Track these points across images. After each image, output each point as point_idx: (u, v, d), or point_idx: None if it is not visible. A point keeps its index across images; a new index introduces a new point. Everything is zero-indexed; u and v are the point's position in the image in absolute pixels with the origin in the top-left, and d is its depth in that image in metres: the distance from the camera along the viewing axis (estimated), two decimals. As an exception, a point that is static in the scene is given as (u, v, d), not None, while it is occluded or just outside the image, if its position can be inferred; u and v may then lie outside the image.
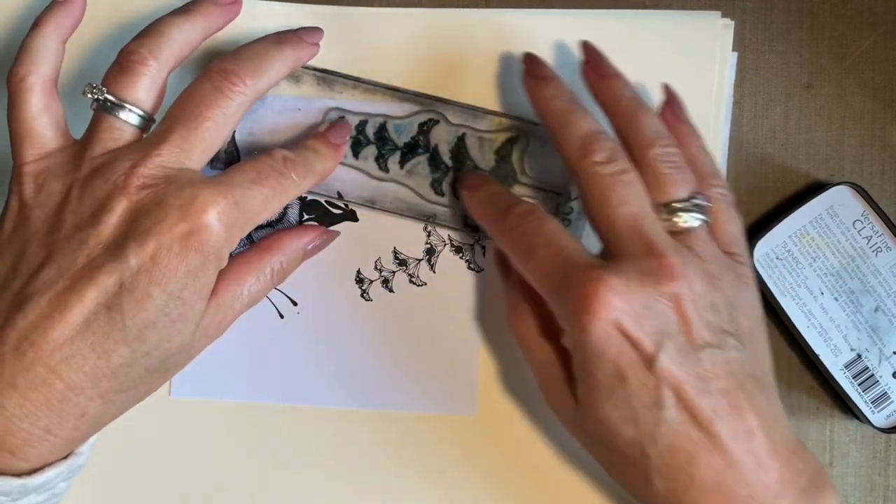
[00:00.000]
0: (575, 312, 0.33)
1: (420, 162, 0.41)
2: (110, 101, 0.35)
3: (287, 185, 0.36)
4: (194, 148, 0.35)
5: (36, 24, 0.37)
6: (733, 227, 0.37)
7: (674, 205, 0.35)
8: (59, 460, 0.34)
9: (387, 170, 0.41)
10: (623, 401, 0.32)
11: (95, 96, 0.35)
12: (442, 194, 0.42)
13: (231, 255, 0.36)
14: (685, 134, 0.38)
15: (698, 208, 0.35)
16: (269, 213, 0.36)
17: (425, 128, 0.41)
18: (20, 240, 0.34)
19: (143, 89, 0.35)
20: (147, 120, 0.36)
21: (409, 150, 0.41)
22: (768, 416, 0.33)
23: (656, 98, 0.40)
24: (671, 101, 0.39)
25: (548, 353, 0.37)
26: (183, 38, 0.36)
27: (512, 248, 0.36)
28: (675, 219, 0.34)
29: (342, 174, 0.41)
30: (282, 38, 0.38)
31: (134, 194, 0.33)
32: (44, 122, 0.35)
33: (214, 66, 0.36)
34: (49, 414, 0.32)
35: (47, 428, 0.32)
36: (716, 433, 0.32)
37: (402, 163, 0.41)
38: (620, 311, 0.32)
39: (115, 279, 0.32)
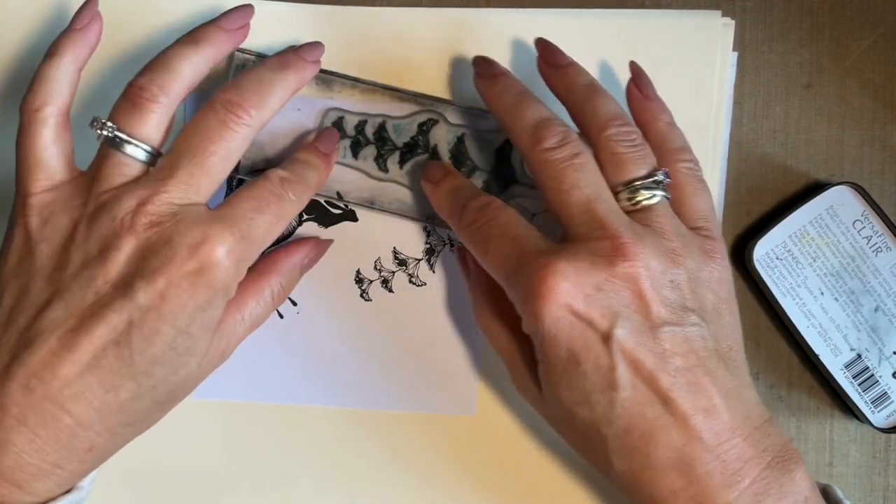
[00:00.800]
0: (527, 299, 0.33)
1: (419, 162, 0.41)
2: (119, 137, 0.34)
3: (287, 207, 0.36)
4: (201, 183, 0.34)
5: (53, 52, 0.36)
6: (700, 202, 0.36)
7: (635, 183, 0.35)
8: (63, 494, 0.34)
9: (386, 170, 0.41)
10: (577, 383, 0.33)
11: (105, 132, 0.35)
12: None
13: None
14: (653, 110, 0.38)
15: (658, 185, 0.35)
16: (273, 237, 0.36)
17: (425, 128, 0.41)
18: (25, 274, 0.34)
19: (153, 126, 0.35)
20: (154, 155, 0.35)
21: (409, 150, 0.41)
22: (731, 392, 0.33)
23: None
24: (638, 77, 0.39)
25: (510, 341, 0.37)
26: (193, 71, 0.36)
27: (470, 242, 0.36)
28: (637, 196, 0.34)
29: (342, 174, 0.41)
30: (284, 62, 0.37)
31: (141, 232, 0.33)
32: (54, 153, 0.35)
33: (218, 98, 0.35)
34: (58, 449, 0.33)
35: (56, 462, 0.33)
36: (674, 410, 0.32)
37: (401, 163, 0.41)
38: (570, 294, 0.32)
39: (124, 317, 0.32)
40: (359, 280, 0.43)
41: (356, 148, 0.41)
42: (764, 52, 0.43)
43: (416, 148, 0.41)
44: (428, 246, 0.42)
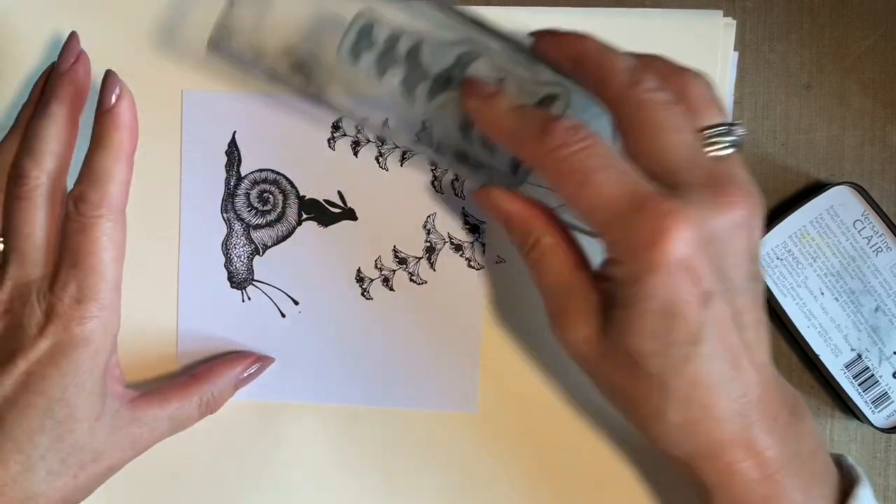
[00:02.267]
0: (645, 245, 0.31)
1: (454, 99, 0.37)
2: None
3: (105, 243, 0.36)
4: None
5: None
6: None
7: (706, 132, 0.33)
8: None
9: (413, 98, 0.37)
10: (662, 335, 0.31)
11: None
12: (471, 139, 0.38)
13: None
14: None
15: (731, 133, 0.34)
16: (116, 267, 0.36)
17: (464, 60, 0.37)
18: None
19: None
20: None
21: (442, 83, 0.37)
22: (769, 350, 0.34)
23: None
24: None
25: (581, 280, 0.34)
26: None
27: (559, 170, 0.32)
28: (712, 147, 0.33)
29: (379, 101, 0.38)
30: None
31: None
32: None
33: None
34: None
35: None
36: (740, 365, 0.32)
37: (430, 94, 0.38)
38: (690, 246, 0.30)
39: None
40: (359, 279, 0.42)
41: (385, 64, 0.37)
42: (764, 52, 0.43)
43: (450, 82, 0.37)
44: (428, 244, 0.42)
